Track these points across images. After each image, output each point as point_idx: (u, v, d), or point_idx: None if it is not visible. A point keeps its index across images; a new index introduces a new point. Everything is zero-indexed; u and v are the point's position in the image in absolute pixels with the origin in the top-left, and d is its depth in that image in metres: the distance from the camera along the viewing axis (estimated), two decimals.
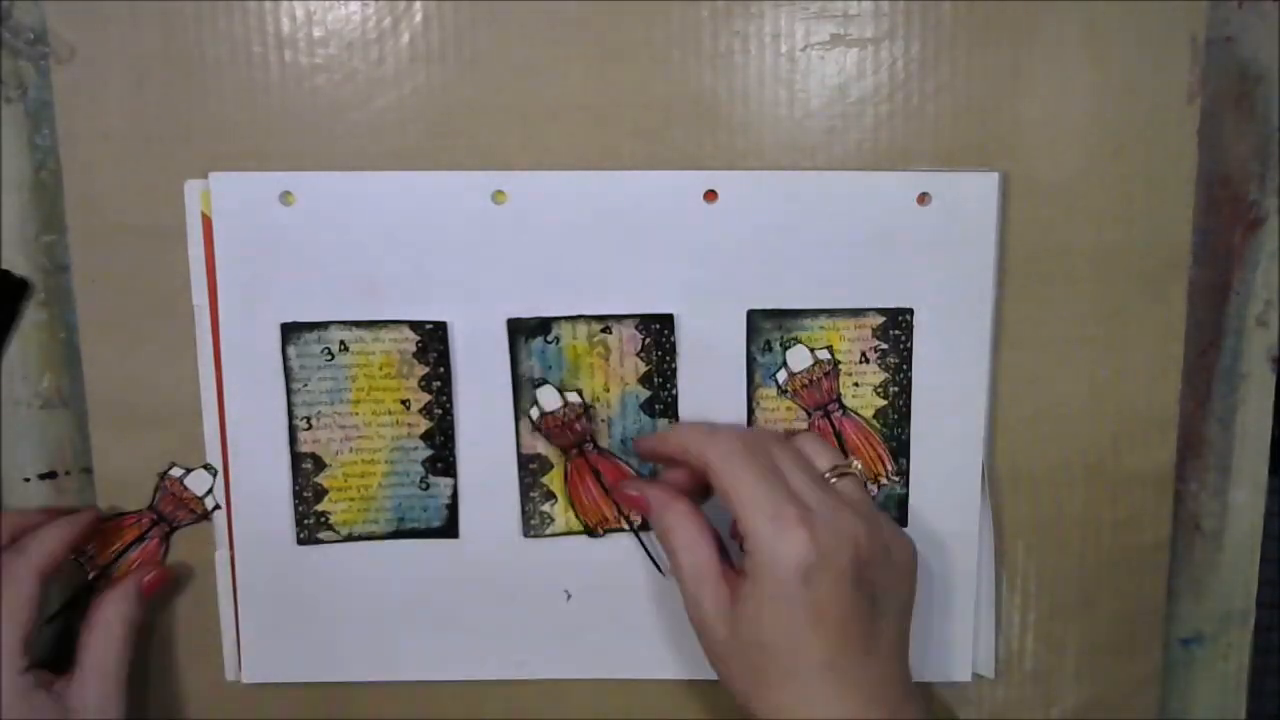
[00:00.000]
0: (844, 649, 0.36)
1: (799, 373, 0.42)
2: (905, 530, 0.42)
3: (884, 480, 0.43)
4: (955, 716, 0.45)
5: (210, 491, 0.42)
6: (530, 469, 0.42)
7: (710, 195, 0.40)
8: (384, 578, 0.43)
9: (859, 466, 0.41)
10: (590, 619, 0.43)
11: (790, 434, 0.41)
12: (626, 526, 0.42)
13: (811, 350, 0.42)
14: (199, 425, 0.42)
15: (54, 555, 0.39)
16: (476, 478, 0.42)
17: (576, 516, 0.42)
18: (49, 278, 0.42)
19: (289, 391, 0.41)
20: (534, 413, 0.41)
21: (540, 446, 0.42)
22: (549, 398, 0.41)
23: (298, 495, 0.42)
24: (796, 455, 0.39)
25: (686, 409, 0.42)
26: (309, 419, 0.41)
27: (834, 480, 0.38)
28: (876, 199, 0.41)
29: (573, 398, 0.41)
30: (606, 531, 0.43)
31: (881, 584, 0.37)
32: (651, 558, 0.43)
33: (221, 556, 0.42)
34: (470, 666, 0.44)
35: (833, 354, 0.42)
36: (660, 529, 0.39)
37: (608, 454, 0.42)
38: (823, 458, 0.39)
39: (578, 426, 0.41)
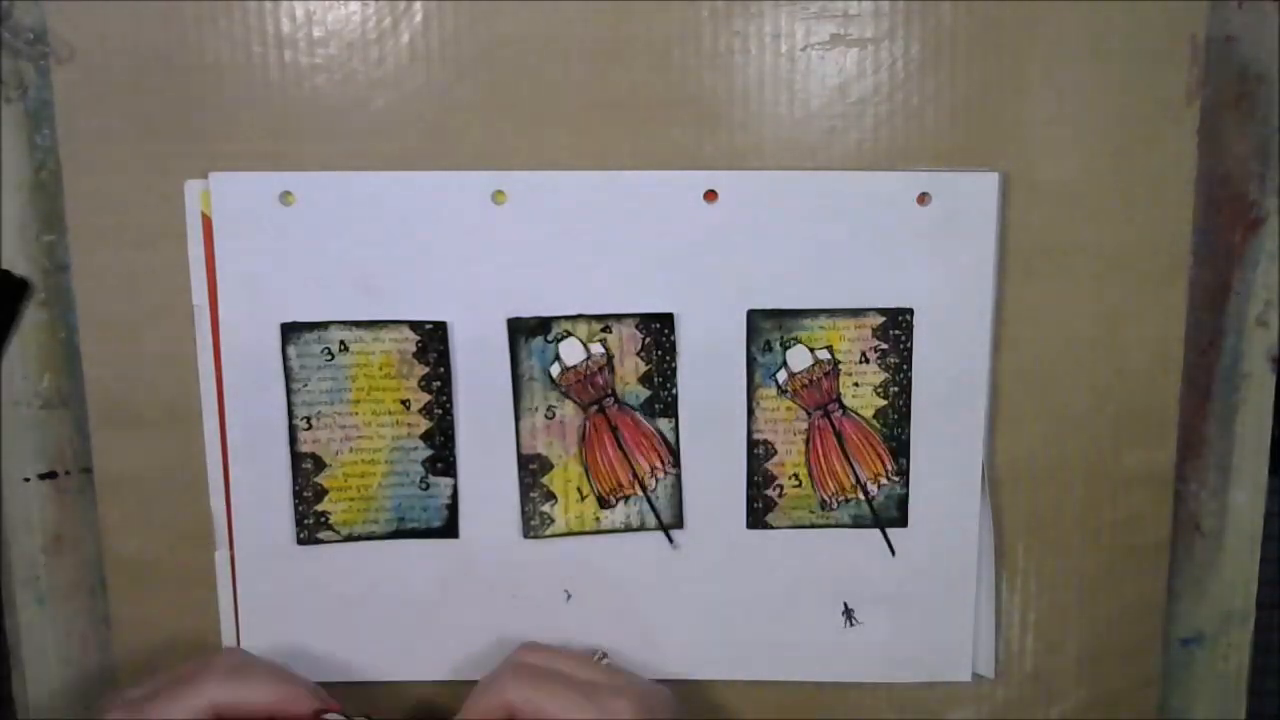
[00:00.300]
0: None
1: (799, 373, 0.42)
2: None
3: (884, 480, 0.43)
4: (955, 717, 0.45)
5: None
6: (530, 469, 0.42)
7: (710, 195, 0.40)
8: (384, 578, 0.43)
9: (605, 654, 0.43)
10: (590, 619, 0.43)
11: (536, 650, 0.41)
12: (639, 491, 0.42)
13: (811, 350, 0.42)
14: (199, 425, 0.42)
15: None
16: (476, 478, 0.42)
17: (590, 483, 0.42)
18: (49, 278, 0.42)
19: (289, 391, 0.41)
20: (555, 369, 0.41)
21: (541, 445, 0.42)
22: (572, 350, 0.41)
23: (298, 495, 0.42)
24: (565, 656, 0.41)
25: (686, 409, 0.42)
26: (309, 419, 0.41)
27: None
28: (876, 199, 0.41)
29: (596, 349, 0.41)
30: (618, 500, 0.42)
31: None
32: (662, 526, 0.43)
33: (221, 556, 0.42)
34: (470, 666, 0.44)
35: (833, 354, 0.42)
36: None
37: (628, 409, 0.42)
38: (582, 653, 0.42)
39: (599, 380, 0.41)
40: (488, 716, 0.39)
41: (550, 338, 0.41)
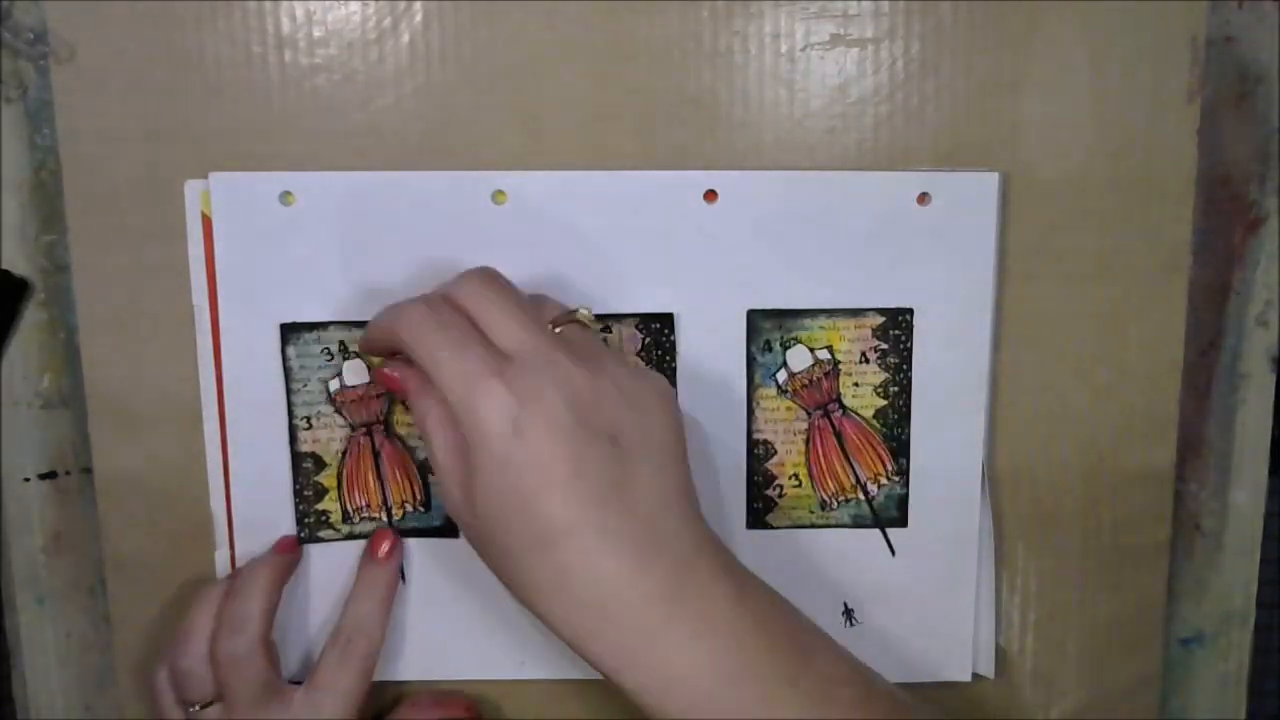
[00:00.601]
0: (588, 502, 0.32)
1: (799, 373, 0.42)
2: (666, 383, 0.37)
3: (884, 480, 0.43)
4: (955, 716, 0.45)
5: None
6: None
7: (710, 195, 0.40)
8: None
9: (586, 312, 0.36)
10: None
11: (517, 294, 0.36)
12: None
13: (811, 350, 0.42)
14: (199, 425, 0.42)
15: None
16: None
17: None
18: (49, 278, 0.42)
19: (289, 391, 0.41)
20: None
21: None
22: None
23: (298, 494, 0.42)
24: (508, 308, 0.34)
25: (686, 409, 0.42)
26: (309, 418, 0.41)
27: (558, 329, 0.35)
28: (876, 199, 0.41)
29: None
30: None
31: (622, 425, 0.33)
32: None
33: (221, 556, 0.42)
34: (470, 666, 0.44)
35: (833, 354, 0.42)
36: (417, 416, 0.35)
37: None
38: (546, 311, 0.36)
39: None
40: (378, 337, 0.36)
41: None
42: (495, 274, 0.36)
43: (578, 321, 0.36)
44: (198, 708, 0.40)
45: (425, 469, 0.42)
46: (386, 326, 0.35)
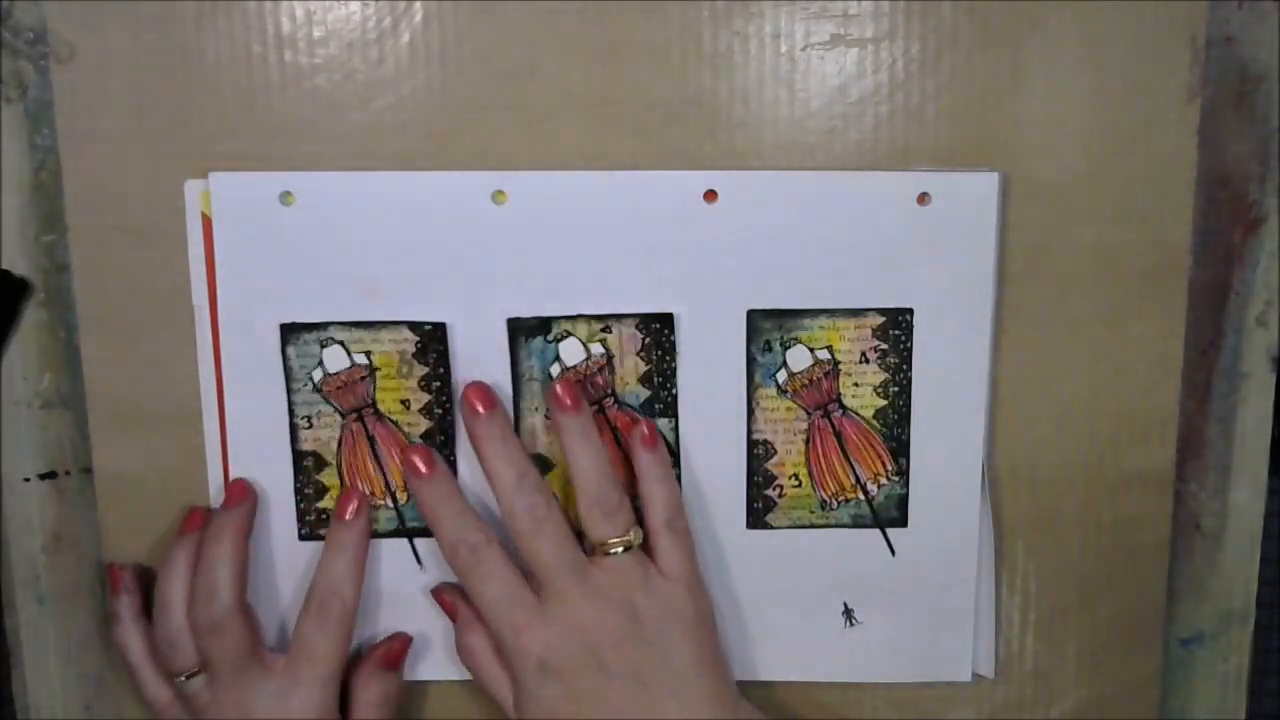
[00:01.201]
0: None
1: (799, 373, 0.42)
2: (682, 582, 0.40)
3: (884, 480, 0.43)
4: (955, 717, 0.45)
5: None
6: None
7: (710, 195, 0.40)
8: (385, 576, 0.43)
9: (635, 538, 0.39)
10: None
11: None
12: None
13: (811, 350, 0.42)
14: (199, 425, 0.42)
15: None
16: (477, 477, 0.42)
17: None
18: (49, 278, 0.42)
19: (289, 391, 0.41)
20: (555, 369, 0.41)
21: (541, 446, 0.42)
22: (571, 350, 0.41)
23: (299, 492, 0.42)
24: (546, 539, 0.39)
25: (686, 409, 0.42)
26: (309, 418, 0.42)
27: (603, 556, 0.39)
28: (876, 199, 0.41)
29: (596, 349, 0.41)
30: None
31: (643, 661, 0.38)
32: None
33: None
34: None
35: (833, 354, 0.42)
36: (460, 647, 0.41)
37: (628, 410, 0.42)
38: (601, 527, 0.39)
39: (599, 380, 0.41)
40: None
41: (550, 338, 0.41)
42: (549, 494, 0.40)
43: (618, 552, 0.39)
44: (184, 678, 0.40)
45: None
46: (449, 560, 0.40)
